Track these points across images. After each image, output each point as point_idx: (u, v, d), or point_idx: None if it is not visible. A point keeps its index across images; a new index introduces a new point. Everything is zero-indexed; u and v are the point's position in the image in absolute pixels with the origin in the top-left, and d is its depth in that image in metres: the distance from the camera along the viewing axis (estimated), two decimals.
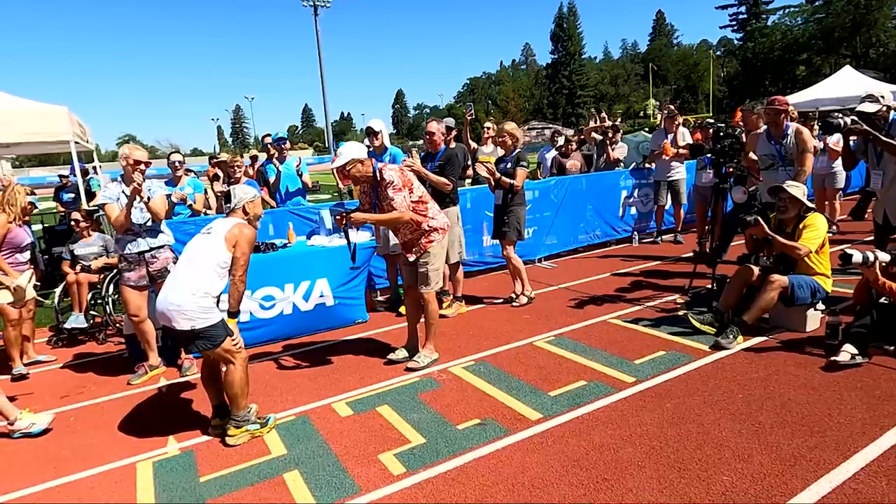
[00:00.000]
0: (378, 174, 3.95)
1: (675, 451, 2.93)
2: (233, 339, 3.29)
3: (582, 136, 9.46)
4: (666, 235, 8.35)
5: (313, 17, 49.56)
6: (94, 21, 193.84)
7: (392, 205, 3.92)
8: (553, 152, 8.75)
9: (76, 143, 6.89)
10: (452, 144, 7.04)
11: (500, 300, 5.93)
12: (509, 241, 5.60)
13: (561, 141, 8.59)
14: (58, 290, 5.77)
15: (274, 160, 6.96)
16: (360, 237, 5.61)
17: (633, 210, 8.60)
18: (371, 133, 5.57)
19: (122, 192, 4.44)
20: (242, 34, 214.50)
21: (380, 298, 6.31)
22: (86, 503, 2.89)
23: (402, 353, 4.45)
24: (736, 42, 67.50)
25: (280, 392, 4.04)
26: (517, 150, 5.59)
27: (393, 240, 5.61)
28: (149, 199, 4.43)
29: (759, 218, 4.32)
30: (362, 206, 4.21)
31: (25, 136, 6.17)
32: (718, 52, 73.08)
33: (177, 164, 6.32)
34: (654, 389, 3.65)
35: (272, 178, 6.91)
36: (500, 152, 6.06)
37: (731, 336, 4.21)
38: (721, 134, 4.93)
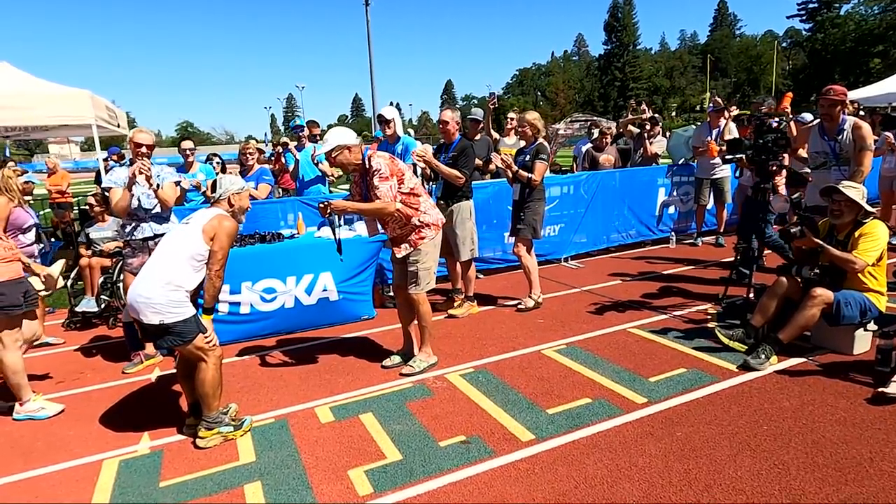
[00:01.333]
0: (366, 162, 3.69)
1: (678, 491, 2.55)
2: (206, 337, 3.10)
3: (619, 129, 8.90)
4: (707, 237, 7.75)
5: (364, 6, 49.69)
6: (158, 16, 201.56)
7: (377, 194, 3.65)
8: (588, 145, 8.28)
9: (101, 126, 6.95)
10: (478, 137, 6.78)
11: (516, 302, 5.57)
12: (523, 238, 5.23)
13: (595, 133, 8.09)
14: (72, 274, 5.79)
15: (291, 148, 6.82)
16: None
17: (672, 209, 8.02)
18: (382, 121, 5.29)
19: (129, 177, 4.35)
20: (296, 25, 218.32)
21: (391, 294, 6.06)
22: (38, 503, 2.77)
23: (396, 360, 4.19)
24: (804, 33, 63.57)
25: (266, 391, 3.85)
26: (538, 142, 5.19)
27: None
28: (158, 186, 4.33)
29: (804, 229, 3.81)
30: (352, 196, 3.96)
31: (49, 118, 6.23)
32: (784, 44, 69.08)
33: (187, 151, 6.26)
34: (666, 413, 3.24)
35: (291, 166, 6.78)
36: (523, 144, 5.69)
37: (763, 356, 3.73)
38: (764, 127, 4.39)
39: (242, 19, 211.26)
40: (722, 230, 7.66)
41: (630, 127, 8.33)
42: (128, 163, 4.44)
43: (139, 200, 4.35)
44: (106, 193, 4.74)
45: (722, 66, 72.57)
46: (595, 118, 11.96)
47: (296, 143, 6.88)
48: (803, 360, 3.81)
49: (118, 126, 8.21)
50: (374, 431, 3.23)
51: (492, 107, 6.48)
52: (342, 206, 3.69)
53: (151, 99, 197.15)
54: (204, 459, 3.05)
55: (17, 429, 3.54)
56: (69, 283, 5.76)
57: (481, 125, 6.69)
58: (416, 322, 4.13)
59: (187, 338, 3.03)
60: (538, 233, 5.23)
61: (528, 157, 5.15)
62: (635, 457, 2.83)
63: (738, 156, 4.51)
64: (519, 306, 5.36)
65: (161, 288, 2.97)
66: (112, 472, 2.98)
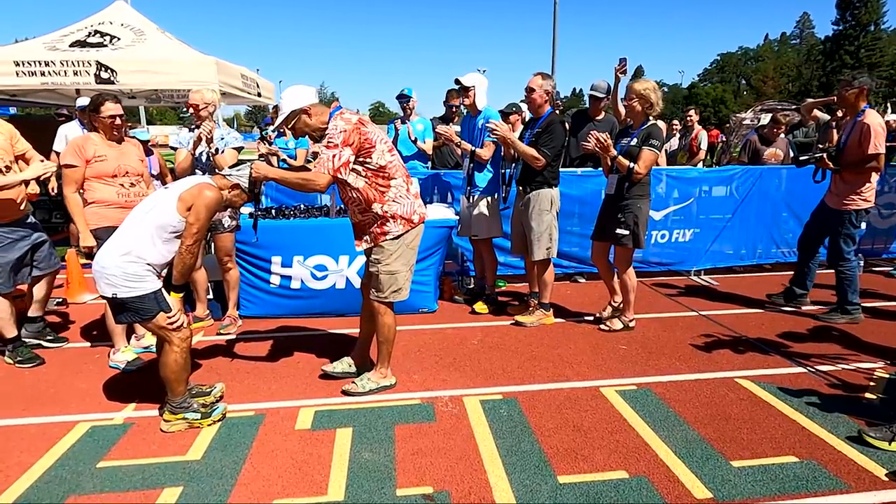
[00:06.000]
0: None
1: None
2: (169, 317, 2.77)
3: (797, 119, 6.95)
4: None
5: None
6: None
7: (317, 162, 2.96)
8: (753, 135, 6.60)
9: (232, 94, 7.28)
10: (601, 116, 5.71)
11: (602, 318, 4.53)
12: (624, 248, 4.15)
13: (764, 120, 6.38)
14: None
15: (396, 120, 6.43)
16: (438, 213, 4.77)
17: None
18: (462, 89, 4.53)
19: (192, 138, 4.32)
20: (478, 6, 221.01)
21: (471, 286, 5.39)
22: None
23: (340, 367, 3.47)
24: None
25: (265, 379, 3.50)
26: (650, 123, 4.05)
27: (476, 219, 4.65)
28: (217, 150, 4.23)
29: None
30: None
31: (178, 83, 6.63)
32: None
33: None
34: None
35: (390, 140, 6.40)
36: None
37: None
38: None
39: (434, 7, 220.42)
40: None
41: (816, 112, 6.39)
42: (195, 122, 4.38)
43: (201, 160, 4.28)
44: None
45: None
46: (783, 105, 9.66)
47: (400, 116, 6.47)
48: None
49: (259, 95, 8.61)
50: (338, 455, 2.66)
51: (620, 76, 5.29)
52: (264, 172, 2.96)
53: (352, 79, 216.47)
54: (155, 445, 2.77)
55: (43, 373, 3.65)
56: None
57: (604, 102, 5.62)
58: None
59: (145, 316, 2.73)
60: (641, 241, 4.11)
61: (633, 141, 4.05)
62: None
63: None
64: (602, 327, 4.32)
65: (118, 258, 2.67)
66: (74, 438, 2.84)
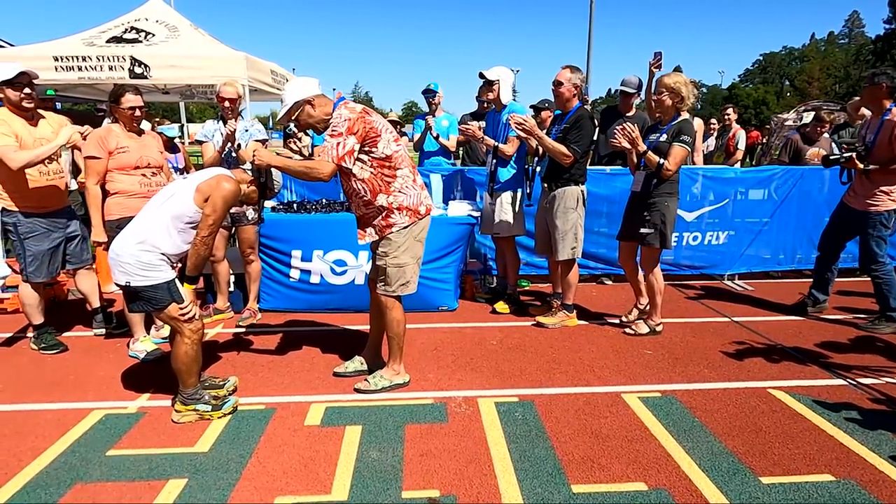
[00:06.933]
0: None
1: None
2: (181, 308, 2.76)
3: (843, 119, 6.60)
4: None
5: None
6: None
7: (319, 150, 2.87)
8: (795, 135, 6.30)
9: (262, 90, 7.35)
10: (632, 112, 5.54)
11: (626, 321, 4.36)
12: (650, 248, 3.98)
13: (807, 118, 6.08)
14: None
15: (427, 116, 6.34)
16: (459, 209, 4.68)
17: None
18: (486, 83, 4.42)
19: (218, 130, 4.34)
20: (514, 5, 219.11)
21: (493, 286, 5.28)
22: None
23: (351, 366, 3.42)
24: None
25: (279, 373, 3.46)
26: (680, 118, 3.87)
27: (498, 217, 4.54)
28: (240, 146, 4.24)
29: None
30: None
31: (209, 78, 6.71)
32: None
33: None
34: None
35: (417, 135, 6.34)
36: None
37: None
38: None
39: (469, 8, 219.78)
40: None
41: (864, 111, 6.05)
42: (219, 116, 4.40)
43: (229, 157, 4.29)
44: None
45: None
46: (828, 105, 9.19)
47: (427, 112, 6.40)
48: None
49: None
50: (345, 452, 2.60)
51: (655, 71, 5.08)
52: (267, 159, 2.90)
53: (385, 80, 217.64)
54: (165, 436, 2.76)
55: (65, 360, 3.71)
56: None
57: (634, 97, 5.44)
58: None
59: (157, 305, 2.72)
60: (668, 241, 3.94)
61: (663, 137, 3.88)
62: None
63: None
64: (627, 330, 4.16)
65: (133, 246, 2.67)
66: (88, 425, 2.85)
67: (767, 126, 12.64)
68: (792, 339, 4.03)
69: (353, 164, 2.89)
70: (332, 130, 2.85)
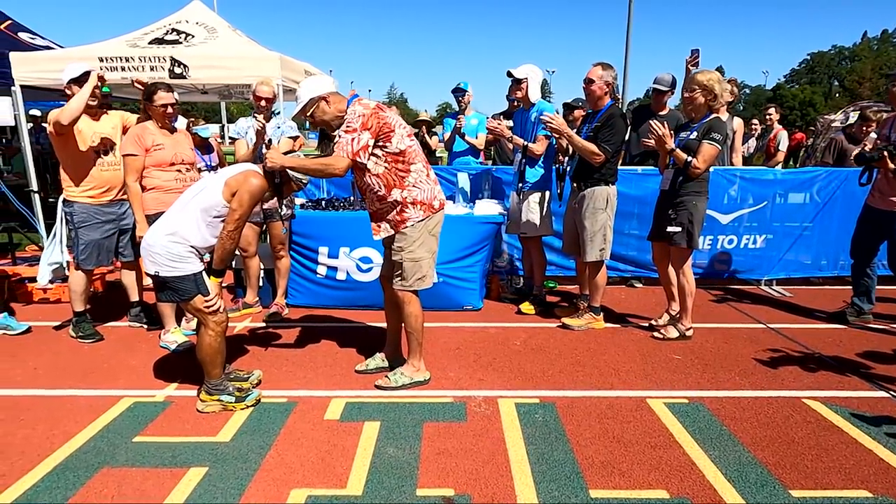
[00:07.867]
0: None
1: None
2: (207, 300, 2.82)
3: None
4: None
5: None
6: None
7: (334, 147, 2.88)
8: (840, 135, 6.04)
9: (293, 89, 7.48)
10: (665, 111, 5.41)
11: (656, 325, 4.25)
12: (679, 248, 3.87)
13: (852, 117, 5.82)
14: None
15: (460, 116, 6.34)
16: (485, 209, 4.65)
17: None
18: (514, 82, 4.37)
19: (251, 127, 4.43)
20: (551, 4, 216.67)
21: (520, 286, 5.23)
22: (35, 419, 2.83)
23: (373, 364, 3.43)
24: None
25: (303, 367, 3.50)
26: (712, 116, 3.76)
27: (525, 217, 4.49)
28: (270, 141, 4.32)
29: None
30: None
31: (244, 78, 6.86)
32: None
33: None
34: None
35: (447, 135, 6.34)
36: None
37: None
38: None
39: (506, 7, 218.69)
40: None
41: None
42: (253, 114, 4.49)
43: (261, 155, 4.38)
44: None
45: None
46: (878, 106, 8.74)
47: (457, 112, 6.39)
48: None
49: None
50: (363, 447, 2.60)
51: (692, 68, 4.94)
52: (279, 161, 2.88)
53: (420, 81, 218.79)
54: (189, 424, 2.82)
55: (101, 348, 3.84)
56: None
57: (667, 96, 5.31)
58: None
59: (184, 296, 2.79)
60: (695, 240, 3.83)
61: (693, 135, 3.76)
62: None
63: None
64: (655, 334, 4.05)
65: (163, 237, 2.75)
66: (118, 412, 2.94)
67: (812, 128, 12.14)
68: (831, 347, 3.86)
69: (368, 159, 2.92)
70: (347, 126, 2.89)
